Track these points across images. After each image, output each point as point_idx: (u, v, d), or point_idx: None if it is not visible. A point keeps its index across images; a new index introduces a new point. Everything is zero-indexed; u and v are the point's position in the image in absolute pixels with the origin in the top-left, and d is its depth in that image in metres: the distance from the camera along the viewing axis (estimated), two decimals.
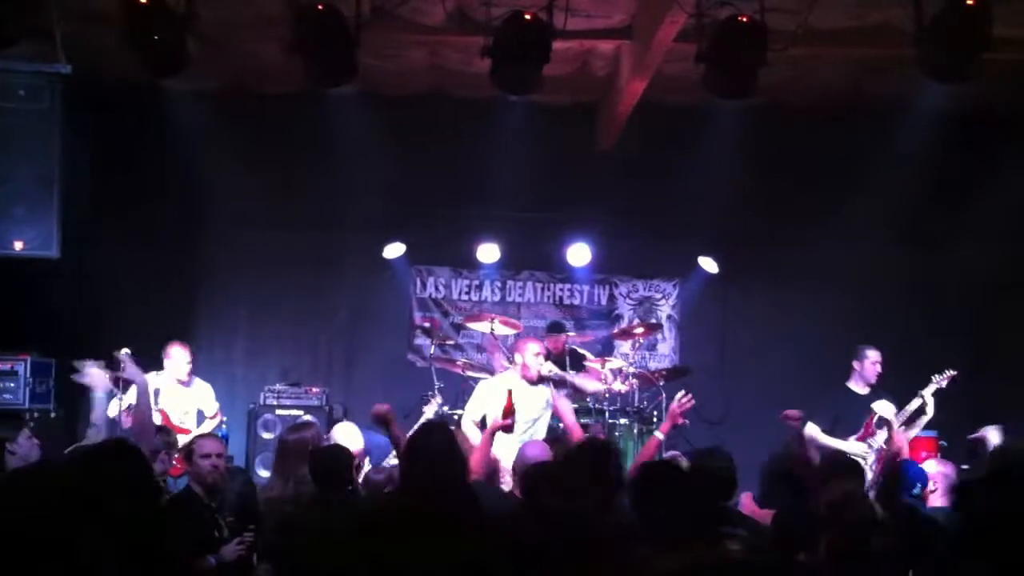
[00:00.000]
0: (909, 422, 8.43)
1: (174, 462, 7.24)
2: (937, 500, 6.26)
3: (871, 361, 8.67)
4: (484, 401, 7.76)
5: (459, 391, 9.61)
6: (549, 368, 7.92)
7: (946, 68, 7.22)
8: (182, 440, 8.01)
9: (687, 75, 8.15)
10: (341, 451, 5.98)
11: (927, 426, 8.72)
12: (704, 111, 9.36)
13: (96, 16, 7.56)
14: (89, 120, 9.25)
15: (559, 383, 8.12)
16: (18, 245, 8.73)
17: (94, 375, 6.73)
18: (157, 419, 8.51)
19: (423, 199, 10.63)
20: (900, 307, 10.77)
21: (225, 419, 9.48)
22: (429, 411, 8.81)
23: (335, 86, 7.56)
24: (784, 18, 7.51)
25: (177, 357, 8.81)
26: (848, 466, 6.39)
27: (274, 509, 5.84)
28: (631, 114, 9.78)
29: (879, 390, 8.71)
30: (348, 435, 7.64)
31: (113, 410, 8.40)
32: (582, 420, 9.31)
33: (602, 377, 9.40)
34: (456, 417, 9.00)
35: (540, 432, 7.89)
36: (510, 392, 6.96)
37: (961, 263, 10.54)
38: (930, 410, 8.38)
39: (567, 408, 7.87)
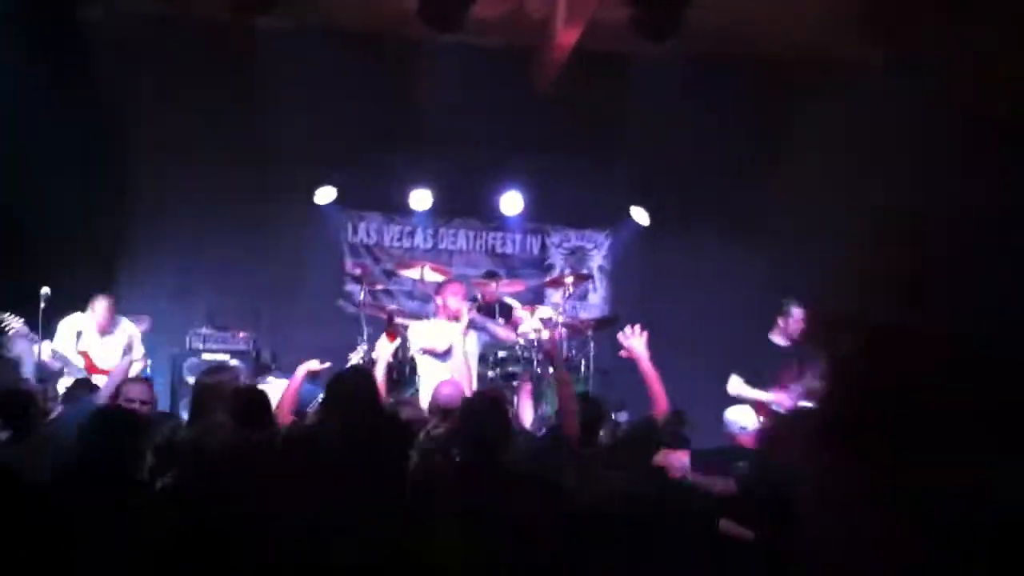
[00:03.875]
0: None
1: None
2: None
3: (795, 319, 8.75)
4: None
5: None
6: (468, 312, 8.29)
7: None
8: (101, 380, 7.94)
9: (624, 23, 8.11)
10: (260, 392, 5.96)
11: None
12: (641, 60, 9.32)
13: None
14: (18, 42, 8.97)
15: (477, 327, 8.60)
16: None
17: None
18: (80, 361, 8.45)
19: (355, 141, 10.48)
20: (828, 265, 10.82)
21: (149, 361, 9.38)
22: (354, 357, 8.82)
23: (261, 12, 7.41)
24: None
25: (98, 309, 8.75)
26: None
27: (188, 449, 5.76)
28: (568, 60, 9.70)
29: (801, 346, 8.81)
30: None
31: (45, 353, 8.33)
32: (510, 368, 9.43)
33: (520, 331, 9.59)
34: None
35: (457, 368, 8.06)
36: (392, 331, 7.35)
37: (889, 218, 10.61)
38: None
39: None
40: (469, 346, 8.39)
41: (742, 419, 7.45)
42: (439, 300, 8.52)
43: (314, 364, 6.70)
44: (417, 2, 7.19)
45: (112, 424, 4.88)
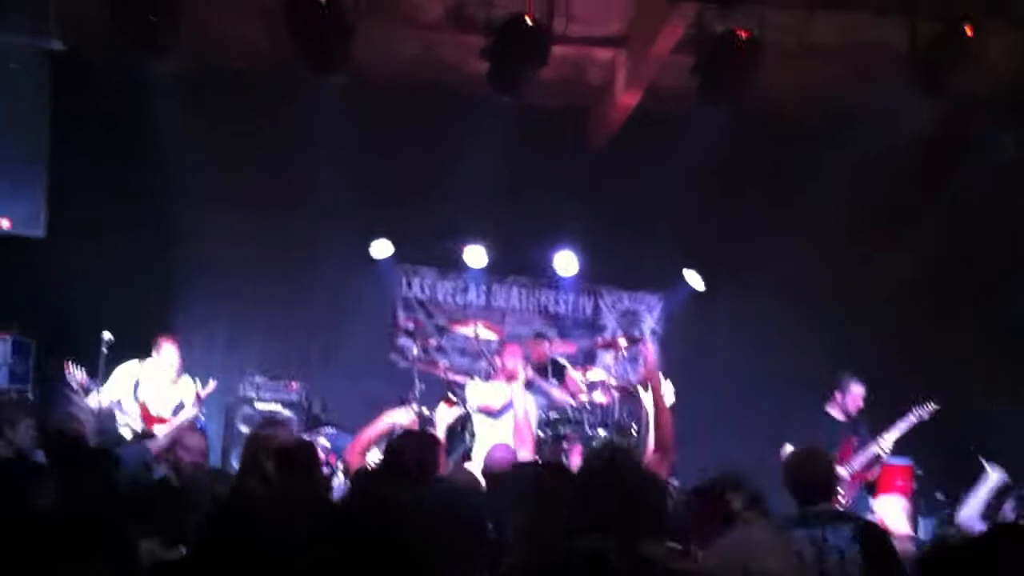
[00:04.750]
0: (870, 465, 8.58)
1: None
2: None
3: (853, 395, 8.73)
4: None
5: (440, 394, 9.57)
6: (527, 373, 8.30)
7: (934, 85, 7.34)
8: (158, 430, 8.01)
9: (680, 87, 8.18)
10: (308, 445, 5.92)
11: (902, 453, 8.81)
12: (696, 123, 9.34)
13: None
14: (80, 99, 9.21)
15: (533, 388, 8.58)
16: (4, 223, 8.71)
17: None
18: (136, 411, 8.47)
19: (411, 199, 10.58)
20: (886, 331, 10.73)
21: (204, 411, 9.42)
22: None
23: (325, 74, 7.58)
24: (778, 32, 7.57)
25: (167, 353, 8.75)
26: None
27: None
28: (624, 121, 9.78)
29: (858, 420, 8.76)
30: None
31: (95, 401, 8.37)
32: (561, 429, 9.39)
33: (578, 390, 9.57)
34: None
35: (510, 428, 7.93)
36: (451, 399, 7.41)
37: (949, 292, 10.55)
38: (886, 456, 8.51)
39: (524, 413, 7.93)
40: (524, 407, 8.33)
41: None
42: (497, 361, 8.73)
43: (402, 417, 6.65)
44: (487, 66, 7.30)
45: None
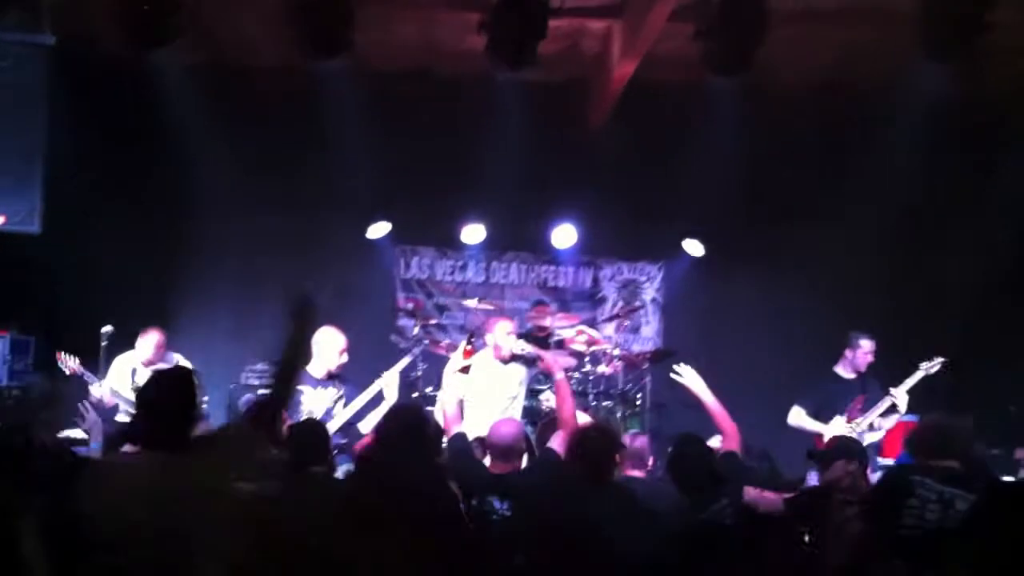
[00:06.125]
0: (885, 414, 8.47)
1: None
2: None
3: (863, 351, 8.67)
4: (456, 387, 7.22)
5: (442, 372, 9.51)
6: (521, 346, 7.64)
7: (944, 46, 7.22)
8: None
9: (677, 55, 8.10)
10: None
11: (909, 411, 8.79)
12: (693, 92, 9.28)
13: None
14: (75, 93, 9.11)
15: (531, 360, 7.82)
16: None
17: None
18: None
19: (408, 178, 10.48)
20: (885, 292, 10.73)
21: (206, 398, 9.34)
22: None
23: (327, 58, 7.51)
24: None
25: (147, 340, 8.56)
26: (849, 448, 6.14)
27: None
28: (620, 93, 9.70)
29: (866, 377, 8.71)
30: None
31: (97, 392, 8.29)
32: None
33: (575, 351, 9.49)
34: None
35: (516, 411, 7.81)
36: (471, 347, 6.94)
37: (946, 251, 10.53)
38: (902, 406, 8.42)
39: (565, 393, 7.46)
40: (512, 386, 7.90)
41: None
42: (489, 338, 7.76)
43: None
44: (486, 41, 7.21)
45: None
